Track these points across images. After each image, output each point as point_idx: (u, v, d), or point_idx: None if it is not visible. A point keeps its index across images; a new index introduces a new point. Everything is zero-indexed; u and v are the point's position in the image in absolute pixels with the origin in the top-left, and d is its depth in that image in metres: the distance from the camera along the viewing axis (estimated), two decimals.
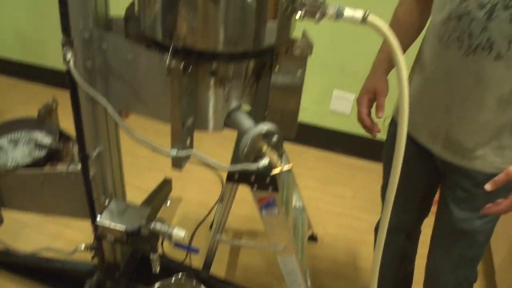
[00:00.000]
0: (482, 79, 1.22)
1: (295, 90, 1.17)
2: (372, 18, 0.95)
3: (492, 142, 1.30)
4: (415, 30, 1.51)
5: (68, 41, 1.10)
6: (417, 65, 1.46)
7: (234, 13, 0.93)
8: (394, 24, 1.49)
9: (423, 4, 1.45)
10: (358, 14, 0.95)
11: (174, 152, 1.05)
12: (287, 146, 2.12)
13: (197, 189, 2.82)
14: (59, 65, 3.19)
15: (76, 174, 1.48)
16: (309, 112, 3.22)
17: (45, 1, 3.47)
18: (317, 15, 0.96)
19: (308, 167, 3.20)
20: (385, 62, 1.52)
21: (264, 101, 1.19)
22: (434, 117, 1.39)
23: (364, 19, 0.95)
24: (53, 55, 3.70)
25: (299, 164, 3.11)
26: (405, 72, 0.96)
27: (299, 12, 0.97)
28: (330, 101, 3.11)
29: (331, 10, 0.95)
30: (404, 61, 0.96)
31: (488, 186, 1.16)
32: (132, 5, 1.12)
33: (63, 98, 1.52)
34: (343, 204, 2.89)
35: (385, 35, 0.95)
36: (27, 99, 3.69)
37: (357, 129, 2.98)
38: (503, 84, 1.21)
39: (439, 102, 1.36)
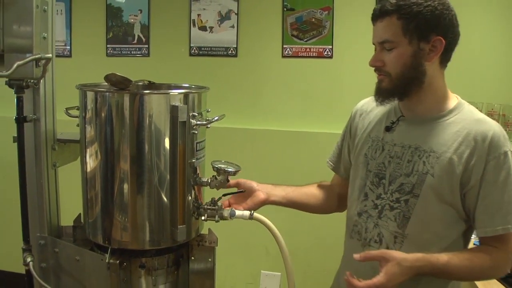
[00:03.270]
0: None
1: (209, 274, 1.51)
2: (256, 215, 1.35)
3: None
4: (316, 208, 1.70)
5: (27, 248, 1.42)
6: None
7: (155, 221, 1.31)
8: (309, 188, 1.72)
9: (337, 201, 1.71)
10: (246, 213, 1.35)
11: None
12: None
13: None
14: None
15: None
16: None
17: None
18: (216, 217, 1.36)
19: None
20: None
21: (185, 285, 1.51)
22: None
23: (251, 216, 1.34)
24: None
25: None
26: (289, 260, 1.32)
27: (203, 217, 1.37)
28: (259, 280, 3.39)
29: (225, 213, 1.35)
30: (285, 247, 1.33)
31: (357, 256, 1.29)
32: (78, 216, 1.48)
33: None
34: None
35: (268, 227, 1.34)
36: None
37: None
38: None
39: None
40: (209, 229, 1.49)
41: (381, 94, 1.41)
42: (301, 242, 3.19)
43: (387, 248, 1.40)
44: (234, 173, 1.34)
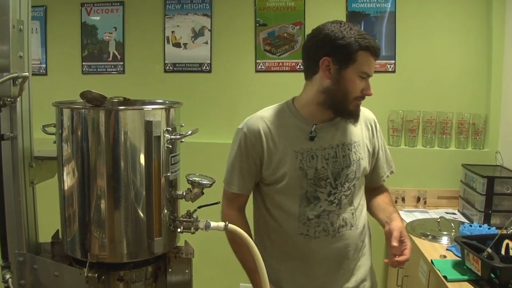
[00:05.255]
0: (347, 244, 1.70)
1: (186, 286, 1.54)
2: (231, 226, 1.38)
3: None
4: None
5: (6, 265, 1.44)
6: (278, 258, 1.75)
7: (132, 234, 1.35)
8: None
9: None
10: (221, 224, 1.39)
11: None
12: None
13: None
14: None
15: None
16: None
17: None
18: (192, 229, 1.39)
19: None
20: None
21: None
22: (324, 285, 1.72)
23: (225, 227, 1.38)
24: None
25: None
26: (264, 271, 1.38)
27: (179, 229, 1.40)
28: None
29: (201, 224, 1.38)
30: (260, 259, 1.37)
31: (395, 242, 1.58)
32: (57, 232, 1.50)
33: None
34: None
35: (242, 238, 1.38)
36: None
37: None
38: (357, 239, 1.73)
39: (314, 278, 1.71)
40: (186, 241, 1.52)
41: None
42: None
43: (351, 225, 1.70)
44: (209, 186, 1.38)
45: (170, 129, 1.38)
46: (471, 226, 2.16)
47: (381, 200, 1.85)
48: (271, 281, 1.52)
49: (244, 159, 1.70)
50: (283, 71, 3.11)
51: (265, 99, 3.17)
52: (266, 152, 1.67)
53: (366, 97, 1.64)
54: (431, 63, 3.03)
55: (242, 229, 1.67)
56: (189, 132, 1.40)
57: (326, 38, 1.57)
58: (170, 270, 1.53)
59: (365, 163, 1.74)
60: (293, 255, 1.72)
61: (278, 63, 3.09)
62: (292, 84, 3.11)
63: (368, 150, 1.77)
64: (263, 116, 1.71)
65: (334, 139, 1.69)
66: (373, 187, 1.89)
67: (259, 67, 3.11)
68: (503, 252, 1.98)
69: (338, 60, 1.57)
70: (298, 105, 1.71)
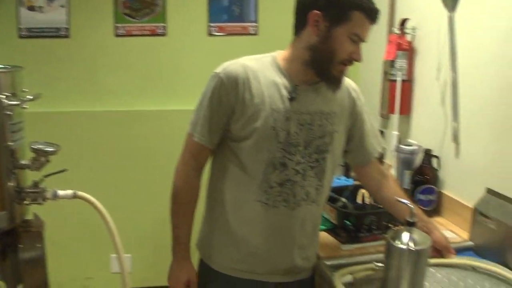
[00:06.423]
0: (305, 219, 1.60)
1: (40, 262, 1.45)
2: (80, 193, 1.33)
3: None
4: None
5: None
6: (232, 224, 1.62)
7: None
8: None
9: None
10: (69, 192, 1.32)
11: None
12: None
13: None
14: None
15: None
16: (94, 281, 3.36)
17: None
18: (40, 200, 1.31)
19: None
20: (187, 245, 1.69)
21: (16, 275, 1.44)
22: (275, 256, 1.62)
23: (74, 195, 1.32)
24: None
25: None
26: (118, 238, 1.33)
27: (26, 201, 1.31)
28: (109, 264, 3.32)
29: (48, 194, 1.31)
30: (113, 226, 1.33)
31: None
32: None
33: None
34: None
35: (94, 206, 1.32)
36: None
37: (142, 284, 3.23)
38: (316, 217, 1.66)
39: (264, 249, 1.61)
40: (34, 214, 1.44)
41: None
42: (148, 220, 3.21)
43: (312, 200, 1.60)
44: (53, 153, 1.30)
45: (10, 94, 1.28)
46: None
47: (400, 196, 1.62)
48: (223, 246, 1.58)
49: (215, 108, 1.54)
50: (144, 35, 3.01)
51: (126, 64, 3.12)
52: (240, 103, 1.51)
53: None
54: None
55: (194, 194, 1.65)
56: (29, 97, 1.30)
57: None
58: (21, 246, 1.44)
59: (339, 138, 1.63)
60: (247, 223, 1.60)
61: (139, 27, 2.98)
62: (155, 49, 3.10)
63: (346, 124, 1.66)
64: (245, 64, 1.54)
65: (314, 105, 1.56)
66: (366, 168, 1.77)
67: (119, 31, 2.98)
68: (360, 201, 2.11)
69: (330, 16, 1.45)
70: (281, 61, 1.58)
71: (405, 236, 1.34)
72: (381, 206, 1.83)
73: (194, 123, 1.58)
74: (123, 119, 3.08)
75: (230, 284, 1.63)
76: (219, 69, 1.54)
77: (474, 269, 1.63)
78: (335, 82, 1.54)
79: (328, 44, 1.46)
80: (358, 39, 1.47)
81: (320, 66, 1.50)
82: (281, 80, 1.55)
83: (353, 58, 1.49)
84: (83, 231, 3.06)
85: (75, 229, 3.09)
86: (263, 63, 1.57)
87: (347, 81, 1.67)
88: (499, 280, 1.57)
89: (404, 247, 1.32)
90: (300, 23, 1.52)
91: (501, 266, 1.62)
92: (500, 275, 1.58)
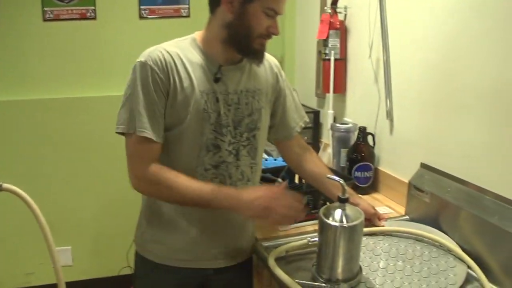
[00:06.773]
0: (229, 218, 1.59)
1: None
2: (7, 186, 1.27)
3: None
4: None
5: None
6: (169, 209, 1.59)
7: None
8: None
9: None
10: None
11: None
12: None
13: None
14: None
15: None
16: (35, 275, 3.26)
17: None
18: None
19: None
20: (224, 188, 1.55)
21: None
22: (216, 241, 1.62)
23: (1, 188, 1.26)
24: None
25: None
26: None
27: None
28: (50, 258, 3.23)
29: None
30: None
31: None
32: None
33: None
34: None
35: (23, 198, 1.27)
36: None
37: (83, 277, 3.16)
38: None
39: (203, 233, 1.60)
40: None
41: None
42: (86, 211, 3.14)
43: (248, 179, 1.61)
44: None
45: None
46: (266, 160, 2.28)
47: (323, 170, 1.75)
48: (163, 237, 1.58)
49: (152, 98, 1.44)
50: (73, 19, 2.90)
51: (55, 50, 2.99)
52: (172, 89, 1.46)
53: None
54: None
55: (167, 172, 1.48)
56: None
57: None
58: None
59: (265, 113, 1.65)
60: (185, 211, 1.56)
61: (67, 10, 2.87)
62: (85, 33, 2.99)
63: (270, 100, 1.67)
64: (166, 49, 1.48)
65: (239, 84, 1.56)
66: (287, 143, 1.80)
67: (47, 15, 2.86)
68: (297, 181, 2.13)
69: None
70: (201, 42, 1.54)
71: (338, 213, 1.35)
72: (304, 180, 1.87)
73: (127, 120, 1.45)
74: (54, 107, 2.98)
75: (170, 273, 1.62)
76: (143, 58, 1.47)
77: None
78: (257, 55, 1.53)
79: (243, 20, 1.44)
80: (273, 13, 1.45)
81: (239, 42, 1.48)
82: (205, 62, 1.52)
83: (271, 32, 1.48)
84: (20, 225, 2.96)
85: (11, 224, 2.99)
86: (184, 46, 1.53)
87: (269, 57, 1.69)
88: (429, 244, 1.63)
89: (338, 224, 1.34)
90: (214, 1, 1.49)
91: (429, 228, 1.71)
92: (427, 238, 1.65)
